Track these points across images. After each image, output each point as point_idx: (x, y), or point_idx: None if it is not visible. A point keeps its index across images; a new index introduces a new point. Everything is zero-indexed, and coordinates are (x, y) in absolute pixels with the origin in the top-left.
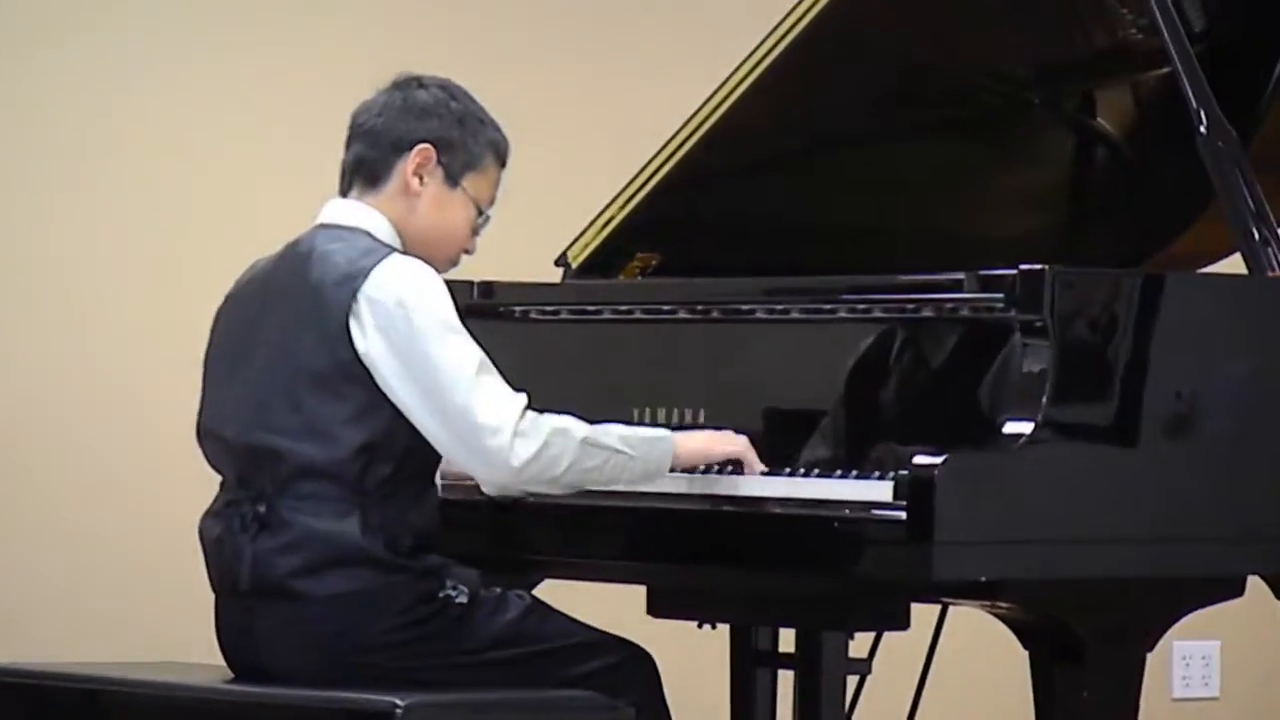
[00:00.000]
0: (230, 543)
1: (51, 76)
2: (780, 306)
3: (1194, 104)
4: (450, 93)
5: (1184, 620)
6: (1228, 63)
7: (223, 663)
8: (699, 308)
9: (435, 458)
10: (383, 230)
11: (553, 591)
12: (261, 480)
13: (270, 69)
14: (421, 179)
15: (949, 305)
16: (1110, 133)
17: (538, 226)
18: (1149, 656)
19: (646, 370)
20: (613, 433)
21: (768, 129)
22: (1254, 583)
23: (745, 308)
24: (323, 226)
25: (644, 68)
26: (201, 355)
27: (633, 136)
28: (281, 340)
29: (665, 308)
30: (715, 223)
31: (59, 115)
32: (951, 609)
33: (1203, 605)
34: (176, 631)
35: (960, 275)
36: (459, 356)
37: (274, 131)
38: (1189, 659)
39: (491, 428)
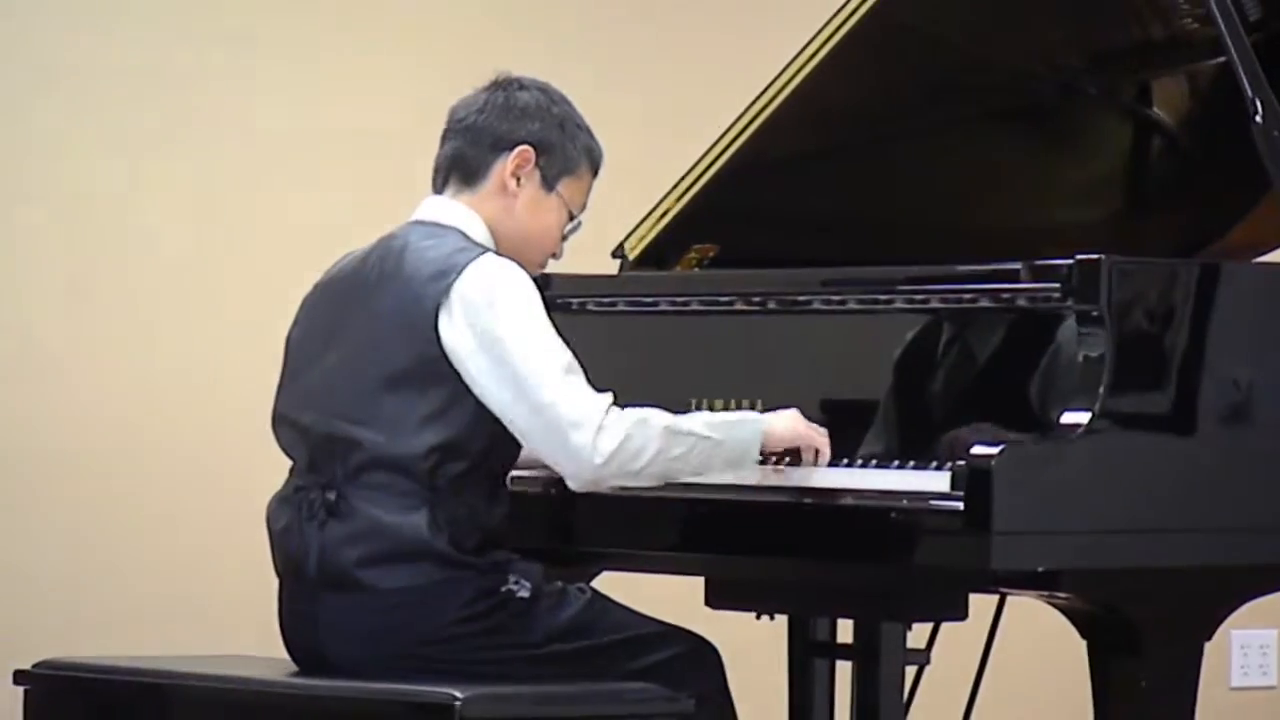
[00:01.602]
0: (298, 530)
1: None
2: (837, 297)
3: (1249, 93)
4: (550, 96)
5: (1242, 609)
6: None
7: (282, 651)
8: (755, 299)
9: (510, 458)
10: (477, 230)
11: (612, 583)
12: (333, 468)
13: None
14: (519, 180)
15: (1005, 295)
16: (1166, 122)
17: (594, 218)
18: (1207, 646)
19: (703, 362)
20: (698, 419)
21: (823, 121)
22: None
23: (802, 298)
24: (418, 223)
25: (700, 59)
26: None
27: (689, 128)
28: (369, 332)
29: (722, 299)
30: (771, 214)
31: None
32: (1009, 599)
33: (1261, 594)
34: (236, 620)
35: (1017, 265)
36: (548, 355)
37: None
38: (1247, 648)
39: (575, 422)
